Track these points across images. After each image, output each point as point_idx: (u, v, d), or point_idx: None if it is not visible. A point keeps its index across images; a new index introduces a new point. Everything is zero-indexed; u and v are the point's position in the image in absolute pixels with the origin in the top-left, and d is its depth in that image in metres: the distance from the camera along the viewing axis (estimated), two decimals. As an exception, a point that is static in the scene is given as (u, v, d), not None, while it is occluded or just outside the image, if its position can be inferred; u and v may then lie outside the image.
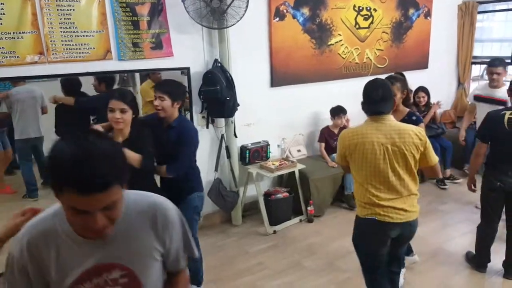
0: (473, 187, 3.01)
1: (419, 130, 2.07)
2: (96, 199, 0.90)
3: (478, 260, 3.03)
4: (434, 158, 2.11)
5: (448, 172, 4.73)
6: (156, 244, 1.13)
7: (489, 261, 2.99)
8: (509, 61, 5.21)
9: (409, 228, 2.16)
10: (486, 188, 2.85)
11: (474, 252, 3.08)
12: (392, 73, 3.01)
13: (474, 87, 4.56)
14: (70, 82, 3.05)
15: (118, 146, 1.00)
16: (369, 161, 2.05)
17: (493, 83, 3.88)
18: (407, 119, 2.56)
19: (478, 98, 4.09)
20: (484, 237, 2.96)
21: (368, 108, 2.12)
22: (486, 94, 3.97)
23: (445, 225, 3.77)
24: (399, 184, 2.06)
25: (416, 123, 2.48)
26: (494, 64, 3.85)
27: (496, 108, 3.38)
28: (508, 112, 2.66)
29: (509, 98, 2.98)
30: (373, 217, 2.08)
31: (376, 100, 2.06)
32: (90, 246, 1.04)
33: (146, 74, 3.47)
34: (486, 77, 4.46)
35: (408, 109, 2.70)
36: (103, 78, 3.15)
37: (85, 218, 0.92)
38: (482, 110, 3.67)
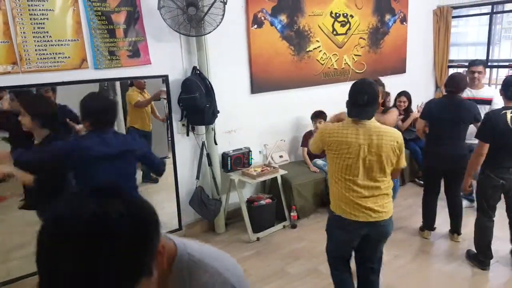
0: (468, 188, 3.08)
1: (398, 134, 2.12)
2: None
3: (480, 257, 3.03)
4: (404, 162, 2.18)
5: None
6: None
7: (492, 257, 3.01)
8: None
9: (379, 228, 2.17)
10: (487, 185, 2.90)
11: (474, 250, 3.11)
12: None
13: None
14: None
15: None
16: (344, 160, 2.11)
17: (474, 82, 3.84)
18: None
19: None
20: (485, 230, 2.99)
21: (351, 111, 2.12)
22: (468, 96, 3.83)
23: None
24: (371, 184, 2.11)
25: None
26: (475, 63, 3.88)
27: (483, 108, 3.54)
28: (508, 111, 2.75)
29: (501, 97, 3.01)
30: (340, 215, 2.19)
31: (360, 105, 2.06)
32: None
33: (130, 82, 3.49)
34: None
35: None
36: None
37: None
38: None
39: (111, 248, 0.62)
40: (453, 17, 5.46)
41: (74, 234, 0.61)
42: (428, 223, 3.56)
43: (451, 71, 5.75)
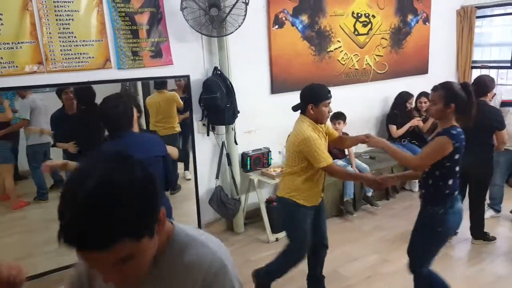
0: None
1: (300, 138, 2.34)
2: (92, 257, 0.72)
3: None
4: (317, 161, 2.33)
5: None
6: None
7: None
8: (508, 65, 5.24)
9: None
10: None
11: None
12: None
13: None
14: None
15: (145, 184, 0.76)
16: None
17: None
18: (442, 132, 2.22)
19: (507, 103, 3.93)
20: None
21: None
22: None
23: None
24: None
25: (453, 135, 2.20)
26: None
27: None
28: None
29: None
30: None
31: None
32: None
33: (160, 83, 3.57)
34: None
35: (451, 124, 2.25)
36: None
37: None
38: None
39: (125, 200, 0.71)
40: (477, 17, 5.34)
41: (87, 185, 0.70)
42: None
43: (475, 72, 5.62)
